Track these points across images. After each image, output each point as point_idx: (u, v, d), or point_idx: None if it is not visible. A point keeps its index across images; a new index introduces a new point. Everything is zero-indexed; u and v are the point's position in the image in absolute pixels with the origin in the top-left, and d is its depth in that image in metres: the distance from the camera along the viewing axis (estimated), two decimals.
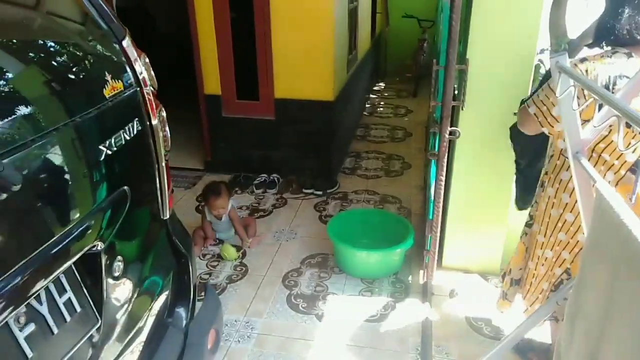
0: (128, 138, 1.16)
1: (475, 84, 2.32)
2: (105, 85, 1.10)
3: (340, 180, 4.05)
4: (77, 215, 1.00)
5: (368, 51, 5.96)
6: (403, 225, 2.96)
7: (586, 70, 1.56)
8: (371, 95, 6.86)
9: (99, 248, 1.05)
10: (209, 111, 4.05)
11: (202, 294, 1.70)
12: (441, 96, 2.22)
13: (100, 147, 1.05)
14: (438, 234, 2.46)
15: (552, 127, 1.66)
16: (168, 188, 1.41)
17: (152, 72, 1.37)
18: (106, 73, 1.13)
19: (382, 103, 6.60)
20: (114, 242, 1.15)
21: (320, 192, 3.82)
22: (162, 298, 1.42)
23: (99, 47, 1.20)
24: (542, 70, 3.12)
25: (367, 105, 6.34)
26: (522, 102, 1.86)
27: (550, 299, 1.68)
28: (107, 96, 1.11)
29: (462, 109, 2.20)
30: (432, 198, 2.45)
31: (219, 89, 3.94)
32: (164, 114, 1.41)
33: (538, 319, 1.73)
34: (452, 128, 2.23)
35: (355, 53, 4.84)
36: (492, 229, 2.72)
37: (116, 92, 1.15)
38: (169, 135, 1.44)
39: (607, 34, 1.57)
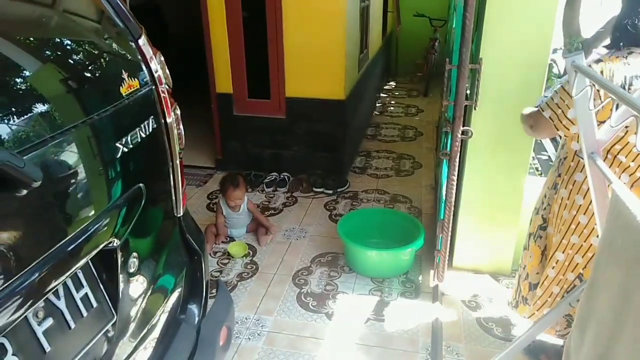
0: (144, 136, 1.17)
1: (488, 84, 2.31)
2: (122, 84, 1.12)
3: (350, 180, 4.05)
4: (94, 212, 1.01)
5: (379, 50, 5.94)
6: (414, 225, 2.96)
7: (601, 71, 1.54)
8: (382, 95, 6.84)
9: (114, 244, 1.07)
10: (220, 110, 4.07)
11: (214, 291, 1.72)
12: (454, 95, 2.22)
13: (117, 144, 1.07)
14: (449, 234, 2.45)
15: (568, 129, 1.65)
16: (182, 186, 1.41)
17: (167, 71, 1.38)
18: (123, 71, 1.14)
19: (392, 102, 6.58)
20: (129, 238, 1.16)
21: (330, 191, 3.83)
22: (175, 295, 1.43)
23: (115, 45, 1.21)
24: (555, 70, 3.09)
25: (377, 105, 6.33)
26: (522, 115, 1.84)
27: (563, 300, 1.67)
28: (123, 94, 1.12)
29: (474, 109, 2.19)
30: (444, 198, 2.44)
31: (231, 87, 3.96)
32: (178, 112, 1.42)
33: (550, 321, 1.72)
34: (465, 127, 2.22)
35: (366, 52, 4.83)
36: (503, 230, 2.71)
37: (132, 90, 1.16)
38: (183, 133, 1.45)
39: (625, 34, 1.56)
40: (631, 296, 0.92)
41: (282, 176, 4.02)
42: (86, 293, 1.00)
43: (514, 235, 2.71)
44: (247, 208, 3.23)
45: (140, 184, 1.16)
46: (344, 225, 2.92)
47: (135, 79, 1.18)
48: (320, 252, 3.06)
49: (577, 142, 1.72)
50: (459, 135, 2.23)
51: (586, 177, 1.69)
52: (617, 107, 1.14)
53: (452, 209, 2.40)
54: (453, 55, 2.35)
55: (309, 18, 3.57)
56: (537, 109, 1.75)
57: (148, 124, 1.21)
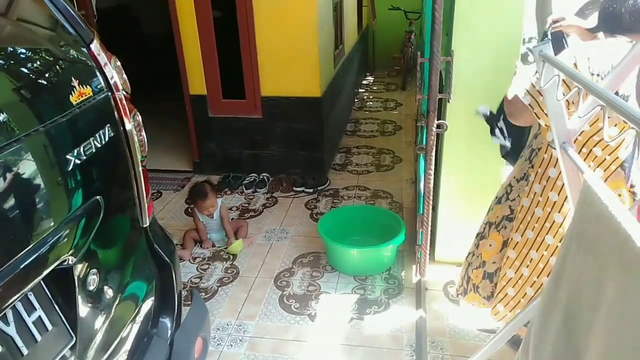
0: (99, 145, 1.11)
1: (461, 76, 2.29)
2: (72, 92, 1.06)
3: (331, 177, 4.02)
4: (45, 229, 0.96)
5: (355, 45, 5.91)
6: (394, 220, 2.93)
7: (588, 58, 1.49)
8: (360, 90, 6.81)
9: (70, 262, 1.01)
10: (195, 111, 4.00)
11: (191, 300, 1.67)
12: (427, 89, 2.19)
13: (68, 156, 1.01)
14: (429, 229, 2.43)
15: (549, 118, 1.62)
16: (147, 194, 1.36)
17: (125, 76, 1.32)
18: (73, 79, 1.08)
19: (371, 97, 6.56)
20: (88, 254, 1.10)
21: (311, 190, 3.78)
22: (145, 308, 1.38)
23: (64, 52, 1.15)
24: (531, 59, 3.08)
25: (356, 100, 6.30)
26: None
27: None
28: (74, 103, 1.06)
29: (448, 102, 2.17)
30: (422, 192, 2.42)
31: (205, 88, 3.89)
32: (139, 118, 1.36)
33: (532, 312, 1.70)
34: (440, 121, 2.20)
35: (342, 48, 4.79)
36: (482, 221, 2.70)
37: (84, 98, 1.10)
38: (146, 139, 1.40)
39: (611, 21, 1.50)
40: (604, 288, 0.90)
41: (261, 177, 3.96)
42: (39, 316, 0.95)
43: None
44: (220, 213, 3.16)
45: (98, 197, 1.11)
46: (325, 224, 2.89)
47: (88, 86, 1.12)
48: (302, 253, 3.02)
49: None
50: (434, 129, 2.21)
51: (560, 172, 1.66)
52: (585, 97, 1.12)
53: (431, 203, 2.38)
54: (425, 47, 2.32)
55: (281, 15, 3.52)
56: (515, 95, 1.71)
57: (104, 133, 1.15)
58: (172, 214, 3.59)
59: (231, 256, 3.01)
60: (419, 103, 2.33)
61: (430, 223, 2.41)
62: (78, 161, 1.03)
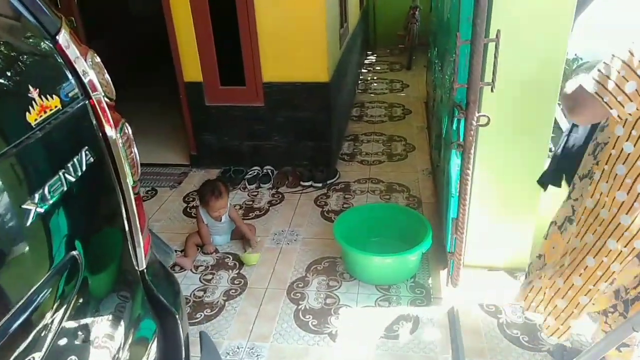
0: (74, 179, 0.80)
1: (505, 61, 1.96)
2: (30, 108, 0.74)
3: (340, 169, 3.71)
4: None
5: (358, 23, 5.53)
6: (417, 220, 2.64)
7: None
8: (363, 70, 6.45)
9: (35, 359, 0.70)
10: (190, 100, 3.65)
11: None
12: (466, 77, 1.87)
13: (25, 206, 0.69)
14: (465, 236, 2.14)
15: (623, 107, 1.32)
16: (142, 228, 1.05)
17: (107, 76, 1.00)
18: (29, 88, 0.76)
19: (375, 78, 6.20)
20: (64, 332, 0.80)
21: (319, 184, 3.48)
22: None
23: (15, 50, 0.81)
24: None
25: (359, 82, 5.94)
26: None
27: (626, 322, 1.38)
28: (32, 123, 0.74)
29: (492, 91, 1.85)
30: (457, 194, 2.12)
31: (200, 75, 3.53)
32: (128, 131, 1.04)
33: (615, 340, 1.42)
34: (481, 114, 1.89)
35: (346, 26, 4.42)
36: (520, 221, 2.42)
37: (49, 113, 0.78)
38: (138, 158, 1.08)
39: None
40: None
41: (265, 170, 3.65)
42: None
43: (531, 226, 2.42)
44: (229, 216, 2.87)
45: (74, 252, 0.80)
46: (340, 227, 2.59)
47: (53, 96, 0.80)
48: (315, 258, 2.73)
49: (624, 126, 1.41)
50: (474, 123, 1.90)
51: (629, 169, 1.40)
52: None
53: (468, 207, 2.08)
54: (460, 26, 1.99)
55: None
56: (578, 86, 1.42)
57: (80, 160, 0.83)
58: (170, 214, 3.28)
59: (237, 264, 2.72)
60: (455, 91, 2.01)
61: (466, 229, 2.12)
62: (41, 210, 0.72)
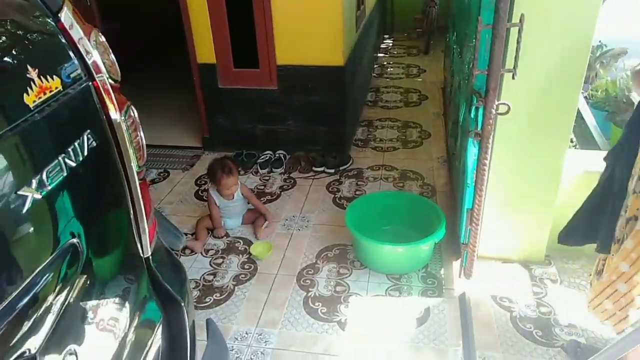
0: (74, 164, 0.77)
1: (528, 48, 1.89)
2: (28, 89, 0.70)
3: (353, 155, 3.65)
4: None
5: (375, 5, 5.40)
6: (430, 209, 2.59)
7: None
8: (379, 54, 6.33)
9: (32, 352, 0.68)
10: (203, 82, 3.61)
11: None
12: (486, 62, 1.79)
13: (22, 192, 0.66)
14: (479, 227, 2.09)
15: None
16: (147, 214, 1.02)
17: (113, 57, 0.96)
18: (28, 68, 0.72)
19: (391, 62, 6.08)
20: (67, 315, 0.77)
21: (332, 170, 3.43)
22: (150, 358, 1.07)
23: (13, 28, 0.78)
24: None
25: (375, 66, 5.83)
26: None
27: None
28: (31, 105, 0.71)
29: (513, 78, 1.78)
30: (472, 184, 2.06)
31: (214, 56, 3.48)
32: (134, 113, 1.00)
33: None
34: (502, 102, 1.82)
35: (363, 8, 4.32)
36: (536, 213, 2.36)
37: (49, 95, 0.75)
38: (144, 142, 1.05)
39: None
40: None
41: (277, 155, 3.61)
42: None
43: (549, 219, 2.35)
44: (241, 193, 2.85)
45: (74, 239, 0.77)
46: (352, 214, 2.55)
47: (54, 77, 0.77)
48: (326, 245, 2.70)
49: None
50: (494, 112, 1.83)
51: None
52: None
53: (484, 197, 2.02)
54: (482, 10, 1.91)
55: None
56: None
57: (82, 144, 0.80)
58: (182, 197, 3.27)
59: (247, 248, 2.70)
60: (474, 77, 1.94)
61: (481, 220, 2.07)
62: (39, 196, 0.69)
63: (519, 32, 1.69)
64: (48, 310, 0.72)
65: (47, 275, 0.71)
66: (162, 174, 3.55)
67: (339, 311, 2.24)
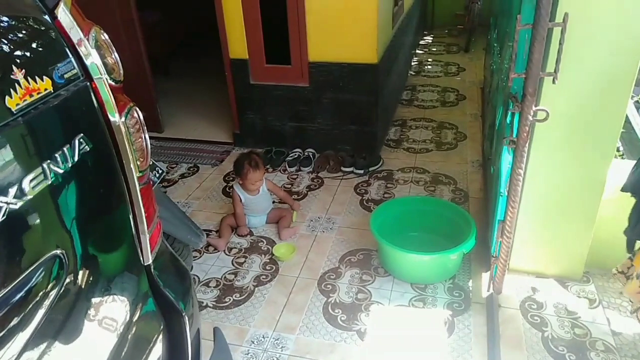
0: (62, 171, 0.73)
1: (571, 49, 1.75)
2: (11, 90, 0.66)
3: (384, 155, 3.55)
4: None
5: (415, 1, 5.25)
6: (461, 217, 2.47)
7: None
8: (417, 51, 6.16)
9: None
10: (235, 78, 3.59)
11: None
12: (524, 65, 1.67)
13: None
14: (512, 240, 1.96)
15: None
16: (149, 222, 0.97)
17: (116, 55, 0.91)
18: (13, 68, 0.68)
19: (430, 60, 5.92)
20: (45, 341, 0.73)
21: (361, 171, 3.35)
22: None
23: (5, 27, 0.74)
24: None
25: (413, 63, 5.68)
26: None
27: None
28: (13, 108, 0.66)
29: (554, 82, 1.64)
30: (506, 194, 1.94)
31: (246, 52, 3.45)
32: (138, 114, 0.96)
33: None
34: (539, 107, 1.69)
35: (401, 4, 4.19)
36: (575, 226, 2.20)
37: (36, 97, 0.71)
38: (149, 143, 1.00)
39: None
40: None
41: (306, 153, 3.55)
42: None
43: (589, 232, 2.19)
44: (267, 188, 2.81)
45: (58, 251, 0.73)
46: (378, 218, 2.46)
47: (44, 77, 0.72)
48: (350, 249, 2.62)
49: None
50: (530, 118, 1.70)
51: None
52: None
53: (517, 208, 1.90)
54: (522, 8, 1.78)
55: None
56: None
57: (72, 150, 0.76)
58: (209, 192, 3.26)
59: (270, 248, 2.66)
60: (510, 80, 1.82)
61: (513, 233, 1.94)
62: (15, 206, 0.65)
63: (562, 32, 1.56)
64: (22, 327, 0.68)
65: (22, 290, 0.68)
66: (191, 169, 3.56)
67: (359, 320, 2.17)
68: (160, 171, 2.02)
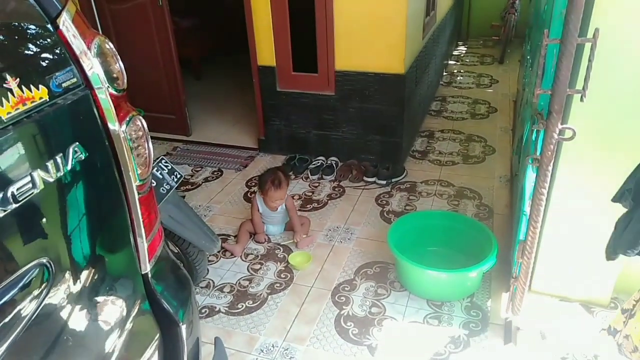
0: (52, 180, 0.73)
1: (600, 66, 1.67)
2: (3, 99, 0.67)
3: (408, 167, 3.49)
4: None
5: (449, 11, 5.17)
6: (483, 234, 2.39)
7: None
8: (450, 62, 6.07)
9: None
10: (262, 84, 3.61)
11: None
12: (551, 81, 1.60)
13: None
14: (532, 261, 1.88)
15: None
16: (148, 229, 0.97)
17: (121, 64, 0.92)
18: (7, 77, 0.69)
19: (462, 71, 5.81)
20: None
21: (384, 182, 3.30)
22: None
23: (3, 36, 0.75)
24: None
25: (444, 74, 5.59)
26: None
27: None
28: (3, 117, 0.67)
29: (581, 100, 1.57)
30: (528, 214, 1.86)
31: (274, 59, 3.47)
32: (141, 123, 0.96)
33: None
34: (565, 126, 1.61)
35: (433, 14, 4.14)
36: (603, 252, 2.09)
37: (30, 106, 0.71)
38: (152, 151, 1.00)
39: None
40: None
41: (329, 161, 3.53)
42: None
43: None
44: (285, 205, 2.79)
45: (44, 259, 0.73)
46: (397, 232, 2.41)
47: (40, 86, 0.73)
48: (367, 261, 2.58)
49: None
50: (556, 136, 1.63)
51: None
52: None
53: (539, 229, 1.82)
54: (550, 23, 1.71)
55: None
56: None
57: (65, 158, 0.76)
58: (231, 197, 3.28)
59: (286, 256, 2.65)
60: (536, 97, 1.75)
61: (534, 254, 1.86)
62: (6, 210, 0.65)
63: (592, 48, 1.49)
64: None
65: (3, 297, 0.68)
66: (215, 173, 3.59)
67: (371, 334, 2.12)
68: (178, 176, 2.04)
